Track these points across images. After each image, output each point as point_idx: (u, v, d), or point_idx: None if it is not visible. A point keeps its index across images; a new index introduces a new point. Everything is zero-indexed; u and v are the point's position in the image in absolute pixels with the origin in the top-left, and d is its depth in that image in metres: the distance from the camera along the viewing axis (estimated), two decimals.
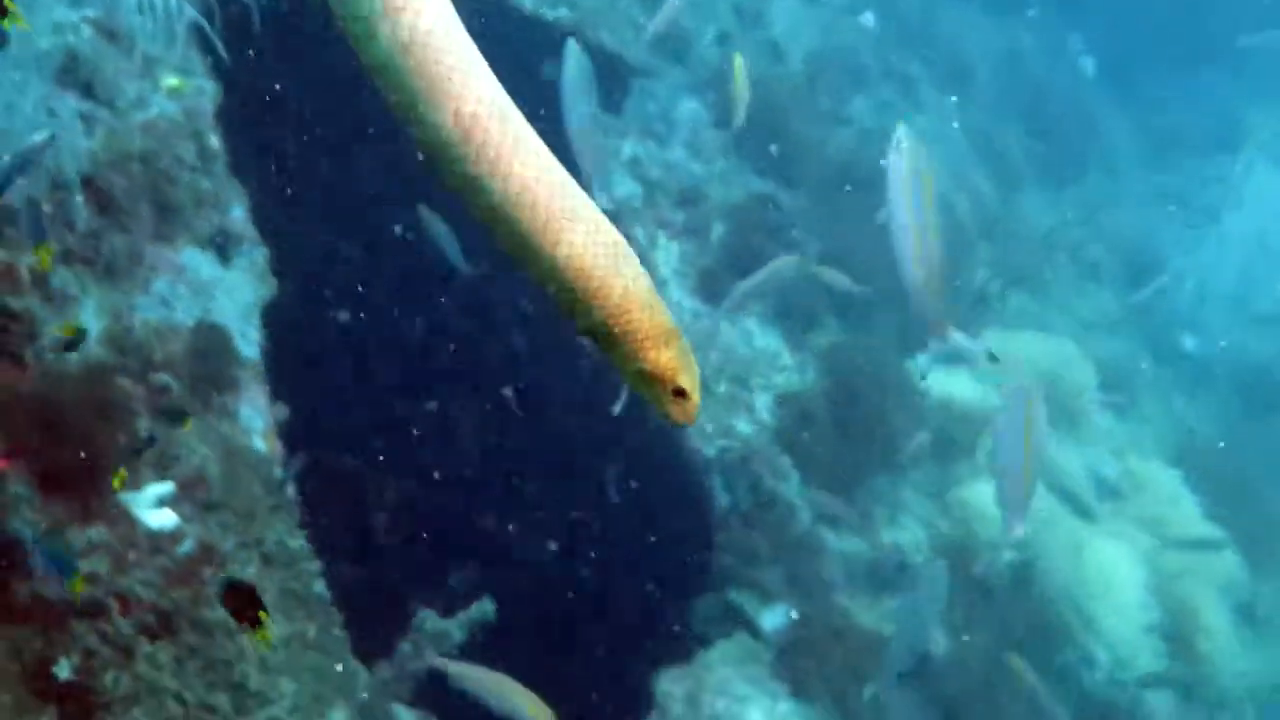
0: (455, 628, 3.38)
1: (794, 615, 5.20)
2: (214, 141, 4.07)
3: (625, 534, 5.23)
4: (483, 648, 3.53)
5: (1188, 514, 6.68)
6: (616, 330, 1.18)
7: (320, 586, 3.35)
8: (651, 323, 1.19)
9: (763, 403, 6.12)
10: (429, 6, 1.09)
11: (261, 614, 2.23)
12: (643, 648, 4.72)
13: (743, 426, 5.96)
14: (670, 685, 4.54)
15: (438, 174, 1.15)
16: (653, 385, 1.23)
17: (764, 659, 4.97)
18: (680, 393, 1.23)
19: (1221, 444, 7.89)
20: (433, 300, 5.14)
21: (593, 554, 5.08)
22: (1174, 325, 8.89)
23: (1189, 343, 8.92)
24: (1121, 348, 8.35)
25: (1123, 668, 5.85)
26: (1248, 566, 6.98)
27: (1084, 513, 6.31)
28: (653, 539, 5.28)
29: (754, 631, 5.11)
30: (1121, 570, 6.05)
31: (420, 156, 1.16)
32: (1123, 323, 8.59)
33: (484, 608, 3.42)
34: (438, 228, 4.46)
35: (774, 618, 5.22)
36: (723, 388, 6.06)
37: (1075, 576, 5.95)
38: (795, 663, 5.03)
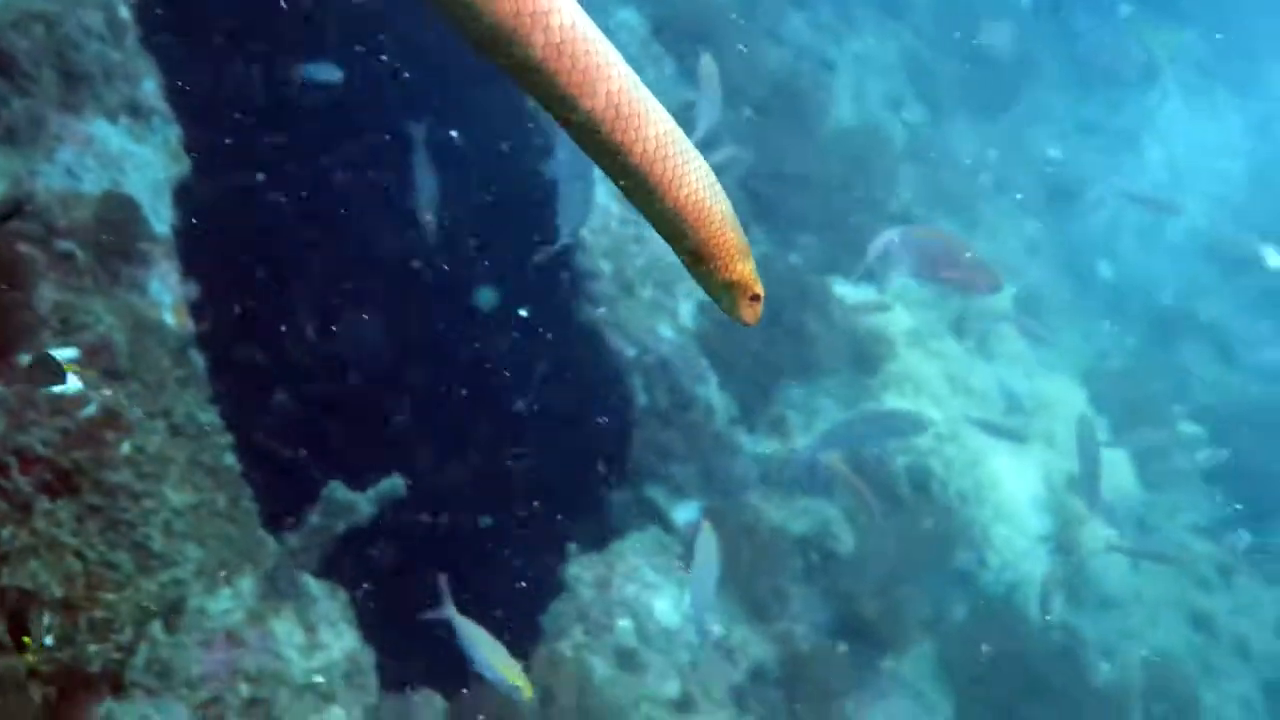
0: (364, 502, 3.44)
1: (705, 511, 5.34)
2: (124, 13, 3.98)
3: (545, 429, 5.31)
4: (392, 524, 3.60)
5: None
6: (714, 248, 1.41)
7: (230, 459, 3.38)
8: (738, 241, 1.42)
9: (686, 309, 6.20)
10: (564, 5, 1.23)
11: None
12: (556, 537, 4.83)
13: (665, 330, 6.05)
14: (581, 570, 4.67)
15: (585, 146, 1.33)
16: (733, 291, 1.44)
17: (675, 551, 5.12)
18: (756, 298, 1.45)
19: (1126, 365, 8.20)
20: (359, 205, 5.11)
21: (512, 448, 5.15)
22: (1090, 252, 9.12)
23: (1104, 269, 9.18)
24: (1039, 272, 8.57)
25: (1014, 570, 6.13)
26: (1141, 482, 7.31)
27: (989, 427, 6.52)
28: (571, 434, 5.38)
29: (666, 525, 5.25)
30: (1018, 481, 6.30)
31: (568, 133, 1.33)
32: (1042, 248, 8.81)
33: (394, 483, 3.48)
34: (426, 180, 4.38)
35: (686, 513, 5.36)
36: (648, 292, 6.13)
37: (975, 486, 6.19)
38: None
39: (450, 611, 3.60)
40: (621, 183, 1.37)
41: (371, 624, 3.51)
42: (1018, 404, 7.16)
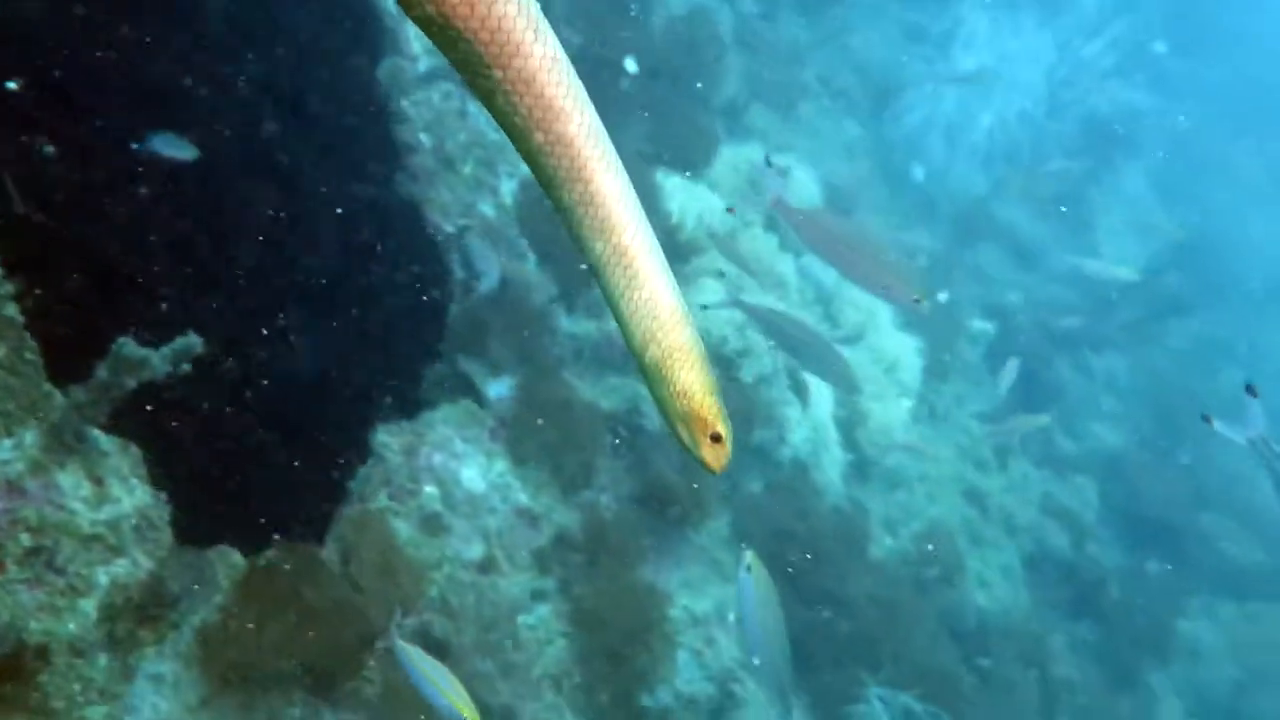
0: (157, 358, 3.41)
1: (518, 386, 5.48)
2: None
3: (358, 300, 5.30)
4: (191, 382, 3.58)
5: (885, 323, 7.40)
6: (674, 371, 1.44)
7: (12, 309, 3.28)
8: (705, 376, 1.45)
9: (508, 188, 6.24)
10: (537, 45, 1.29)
11: None
12: (366, 408, 4.88)
13: (485, 208, 6.08)
14: (389, 438, 4.75)
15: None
16: (692, 426, 1.45)
17: (485, 424, 5.26)
18: (717, 437, 1.46)
19: (928, 265, 8.70)
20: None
21: (322, 318, 5.13)
22: (904, 154, 9.54)
23: (918, 172, 9.63)
24: (854, 172, 8.93)
25: (809, 448, 6.55)
26: (928, 375, 7.85)
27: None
28: (385, 307, 5.39)
29: (478, 399, 5.37)
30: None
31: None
32: (859, 148, 9.16)
33: (190, 341, 3.45)
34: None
35: (499, 388, 5.49)
36: (469, 169, 6.12)
37: (775, 369, 6.53)
38: (516, 429, 5.33)
39: (396, 643, 3.65)
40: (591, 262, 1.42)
41: (166, 480, 3.52)
42: (825, 296, 7.54)
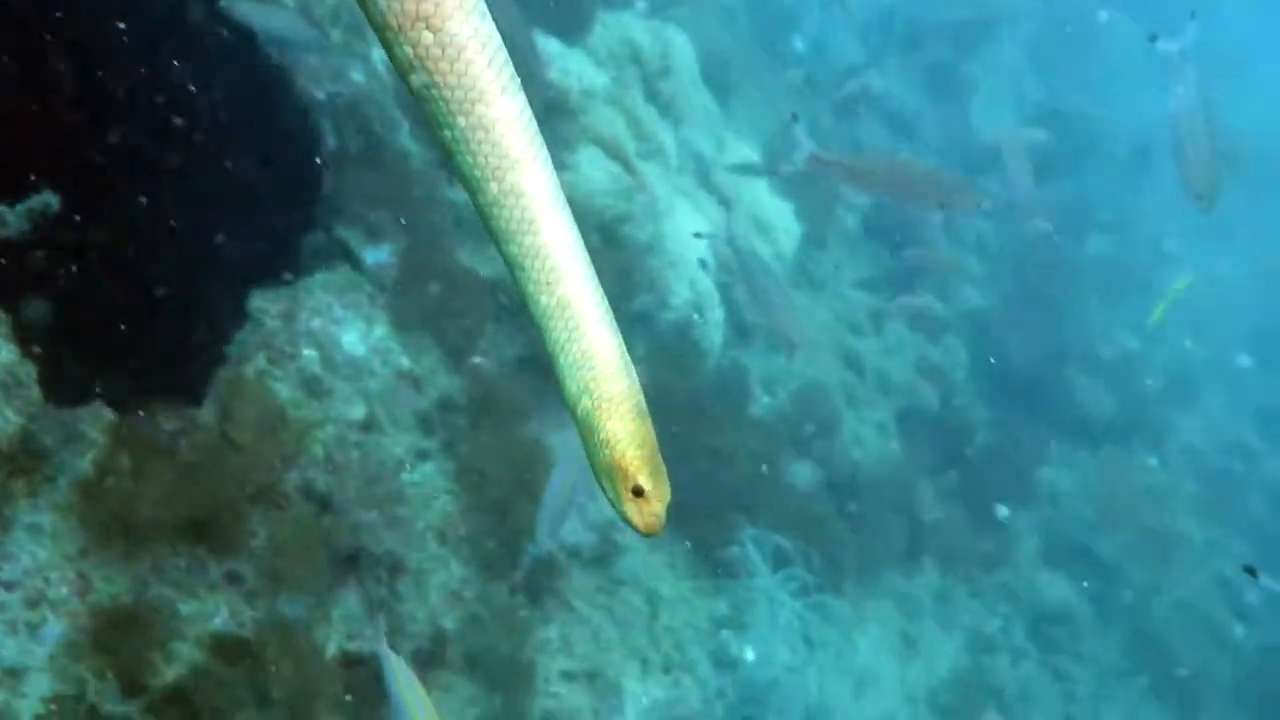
0: (12, 216, 3.37)
1: (397, 253, 5.51)
2: None
3: (230, 166, 5.23)
4: (50, 242, 3.55)
5: (762, 190, 7.58)
6: (602, 421, 1.40)
7: None
8: (634, 426, 1.39)
9: (378, 54, 6.14)
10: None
11: None
12: (241, 273, 4.87)
13: (356, 75, 5.99)
14: (265, 303, 4.77)
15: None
16: (614, 477, 1.41)
17: (364, 290, 5.30)
18: (639, 492, 1.41)
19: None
20: None
21: (193, 182, 5.06)
22: (786, 25, 9.60)
23: (799, 43, 9.71)
24: (733, 41, 8.97)
25: (690, 312, 6.75)
26: (807, 242, 8.09)
27: (675, 185, 6.99)
28: (258, 176, 5.33)
29: (356, 265, 5.39)
30: (690, 230, 6.84)
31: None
32: (739, 17, 9.18)
33: (47, 199, 3.42)
34: None
35: (378, 254, 5.52)
36: (338, 34, 6.01)
37: (657, 235, 6.68)
38: (395, 296, 5.39)
39: (382, 648, 3.68)
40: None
41: (34, 338, 3.52)
42: (703, 167, 7.66)
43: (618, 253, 6.55)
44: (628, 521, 1.43)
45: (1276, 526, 9.89)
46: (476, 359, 5.70)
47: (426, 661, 4.72)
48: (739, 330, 7.10)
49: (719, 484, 6.34)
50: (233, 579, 4.09)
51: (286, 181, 5.43)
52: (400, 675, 3.60)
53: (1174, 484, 9.13)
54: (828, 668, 6.28)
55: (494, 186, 1.35)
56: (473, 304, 5.84)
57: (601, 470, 1.42)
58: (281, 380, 4.64)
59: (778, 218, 7.52)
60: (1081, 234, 10.36)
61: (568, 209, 1.40)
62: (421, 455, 5.16)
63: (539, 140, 1.35)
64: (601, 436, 1.40)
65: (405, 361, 5.31)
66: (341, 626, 4.40)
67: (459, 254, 5.94)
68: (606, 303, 1.44)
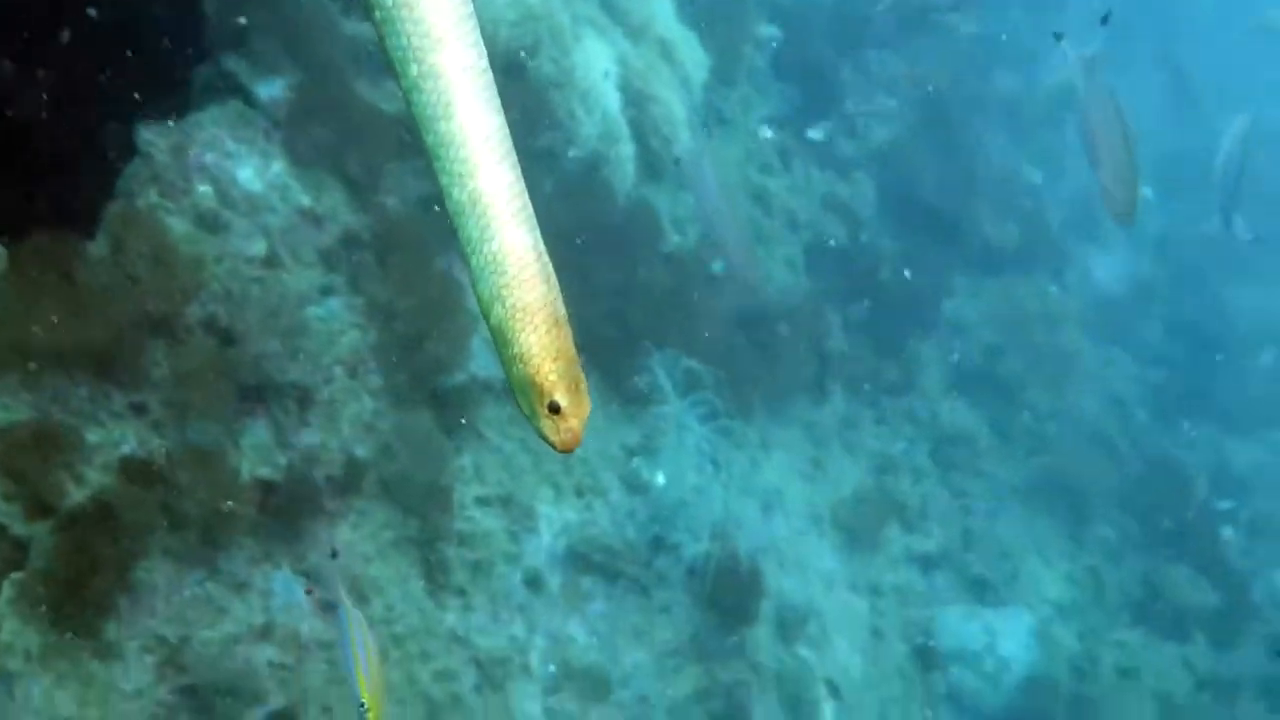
0: None
1: (292, 88, 5.39)
2: None
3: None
4: None
5: (670, 17, 7.47)
6: (516, 333, 1.31)
7: None
8: (551, 339, 1.31)
9: None
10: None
11: None
12: (127, 107, 4.75)
13: None
14: (155, 137, 4.67)
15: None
16: (530, 394, 1.33)
17: (259, 125, 5.20)
18: (554, 408, 1.33)
19: None
20: None
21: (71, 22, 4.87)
22: None
23: None
24: None
25: (598, 147, 6.74)
26: (716, 80, 8.04)
27: (578, 15, 6.86)
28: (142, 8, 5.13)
29: (250, 100, 5.27)
30: (598, 64, 6.77)
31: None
32: None
33: None
34: None
35: (271, 89, 5.39)
36: None
37: (564, 69, 6.59)
38: (292, 131, 5.30)
39: (343, 599, 3.75)
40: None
41: None
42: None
43: (522, 86, 6.48)
44: (544, 438, 1.38)
45: (1169, 348, 10.40)
46: (381, 197, 5.66)
47: (342, 488, 4.86)
48: (650, 168, 7.11)
49: (630, 318, 6.47)
50: (138, 410, 4.14)
51: (172, 11, 5.24)
52: (355, 629, 3.72)
53: (1072, 309, 9.50)
54: (734, 489, 6.58)
55: (414, 68, 1.30)
56: (375, 140, 5.77)
57: (516, 385, 1.37)
58: (176, 215, 4.60)
59: (686, 49, 7.45)
60: (988, 70, 10.44)
61: (493, 97, 1.34)
62: (327, 291, 5.18)
63: (470, 22, 1.30)
64: (515, 350, 1.34)
65: (305, 199, 5.26)
66: (252, 455, 4.49)
67: (358, 89, 5.83)
68: (526, 198, 1.38)
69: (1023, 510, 8.41)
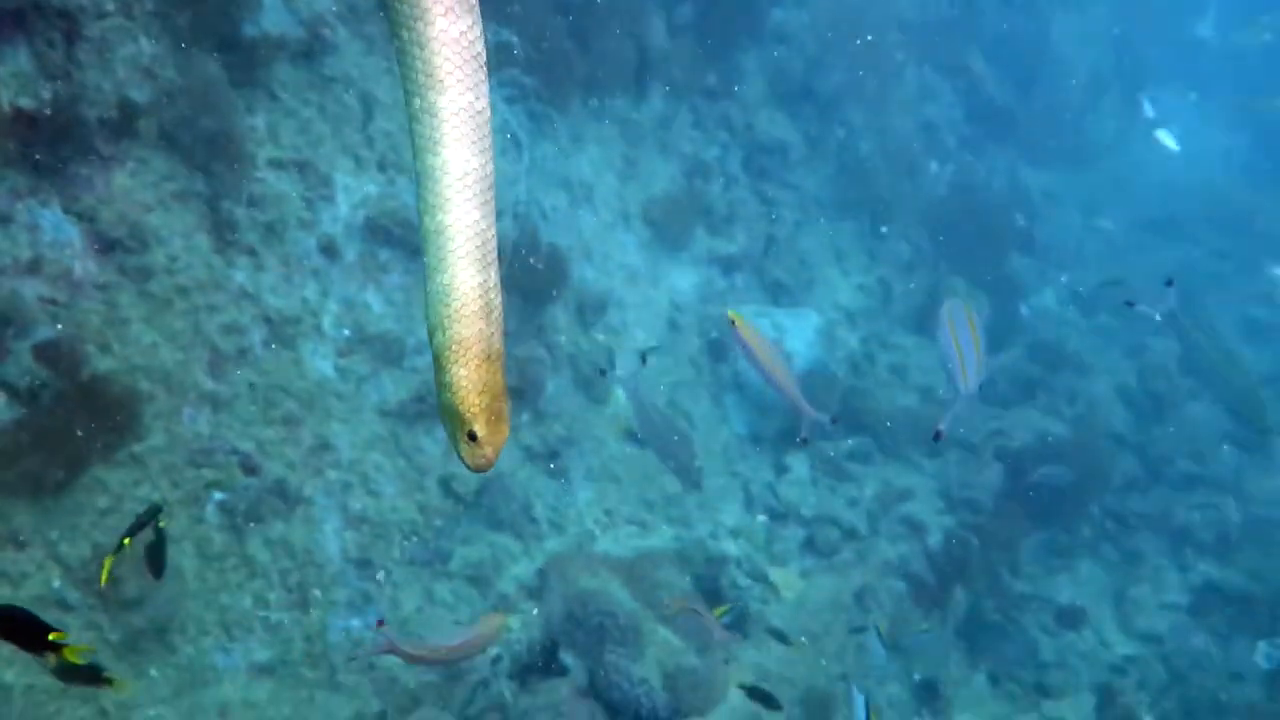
0: None
1: None
2: None
3: None
4: None
5: None
6: (450, 364, 1.41)
7: None
8: (479, 375, 1.40)
9: None
10: None
11: None
12: None
13: None
14: None
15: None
16: (452, 420, 1.44)
17: None
18: (472, 436, 1.44)
19: None
20: None
21: None
22: None
23: None
24: None
25: None
26: None
27: None
28: None
29: None
30: None
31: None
32: None
33: None
34: None
35: None
36: None
37: None
38: None
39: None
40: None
41: None
42: None
43: None
44: (460, 457, 1.51)
45: (988, 74, 10.68)
46: None
47: (116, 132, 4.68)
48: None
49: None
50: None
51: None
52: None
53: (893, 25, 9.58)
54: (540, 175, 6.65)
55: (416, 101, 1.40)
56: None
57: (442, 408, 1.49)
58: None
59: None
60: None
61: (483, 139, 1.41)
62: None
63: (475, 64, 1.37)
64: (446, 379, 1.46)
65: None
66: (12, 83, 4.26)
67: None
68: (489, 239, 1.46)
69: (827, 224, 8.80)
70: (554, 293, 6.63)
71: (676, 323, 7.60)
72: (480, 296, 1.47)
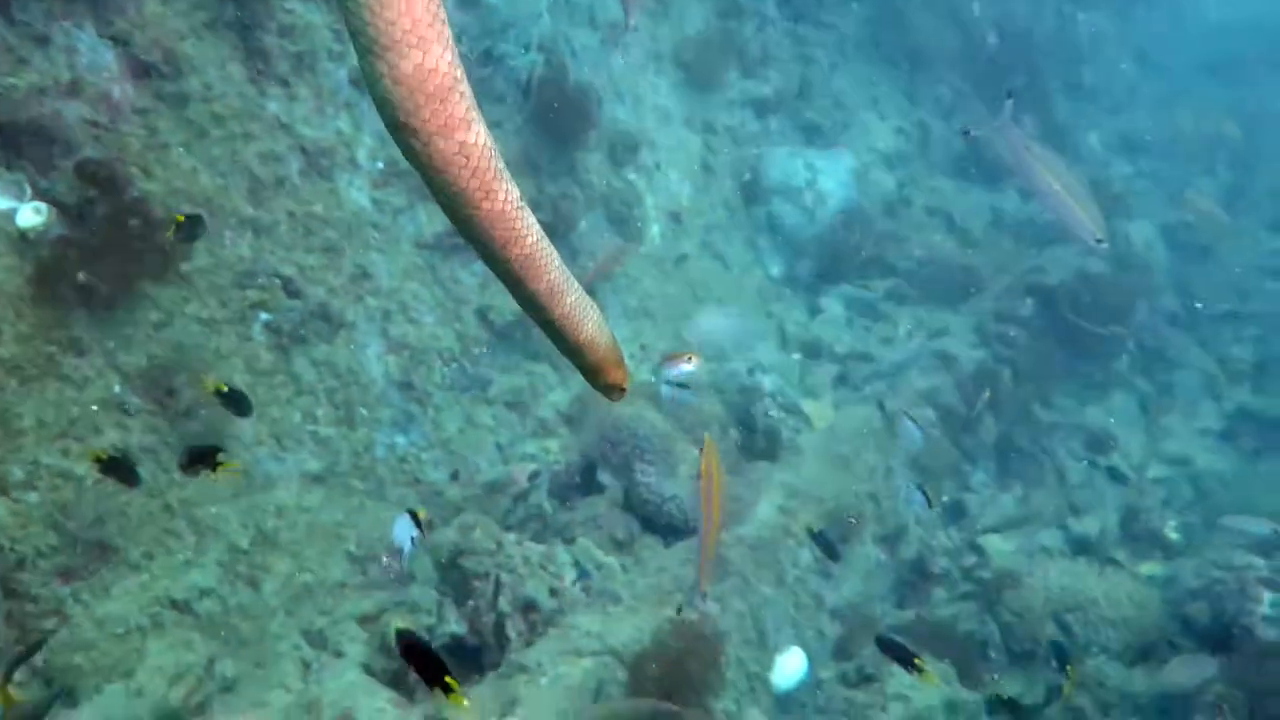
0: None
1: None
2: None
3: None
4: None
5: None
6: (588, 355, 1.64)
7: None
8: (610, 354, 1.66)
9: None
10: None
11: None
12: None
13: None
14: None
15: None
16: (607, 385, 1.70)
17: None
18: (622, 390, 1.72)
19: None
20: None
21: None
22: None
23: None
24: None
25: None
26: None
27: None
28: None
29: None
30: None
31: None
32: None
33: None
34: None
35: None
36: None
37: None
38: None
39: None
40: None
41: None
42: None
43: None
44: (602, 394, 1.77)
45: None
46: None
47: None
48: None
49: None
50: None
51: None
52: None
53: None
54: (571, 13, 6.64)
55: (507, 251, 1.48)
56: None
57: (589, 369, 1.71)
58: None
59: None
60: None
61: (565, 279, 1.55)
62: None
63: (529, 220, 1.46)
64: (592, 359, 1.68)
65: None
66: None
67: None
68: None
69: (865, 66, 8.68)
70: (583, 132, 6.68)
71: (709, 165, 7.62)
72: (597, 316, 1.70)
